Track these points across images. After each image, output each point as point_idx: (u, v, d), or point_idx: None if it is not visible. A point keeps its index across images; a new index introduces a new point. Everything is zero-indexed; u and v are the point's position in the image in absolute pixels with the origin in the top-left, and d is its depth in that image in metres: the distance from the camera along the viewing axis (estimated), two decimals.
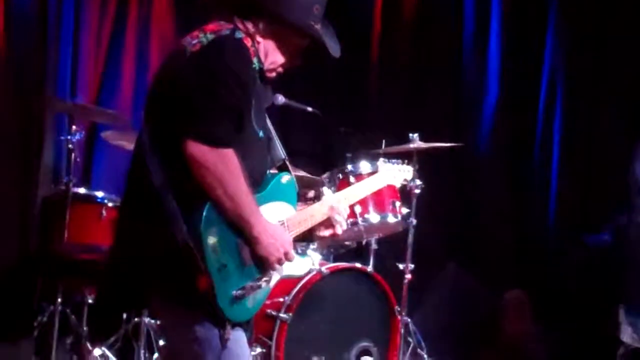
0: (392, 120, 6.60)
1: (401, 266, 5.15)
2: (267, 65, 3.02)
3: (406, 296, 5.09)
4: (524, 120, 6.69)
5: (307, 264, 3.21)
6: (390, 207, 4.84)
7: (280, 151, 3.19)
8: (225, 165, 2.71)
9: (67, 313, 5.10)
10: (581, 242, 6.18)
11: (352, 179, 4.67)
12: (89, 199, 5.19)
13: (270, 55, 3.01)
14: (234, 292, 2.78)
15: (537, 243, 6.54)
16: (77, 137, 5.18)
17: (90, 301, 5.12)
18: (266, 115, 3.14)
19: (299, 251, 3.14)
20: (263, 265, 2.88)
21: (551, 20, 6.63)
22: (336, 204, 3.26)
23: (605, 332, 4.94)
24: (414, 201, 5.07)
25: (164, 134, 2.80)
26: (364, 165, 4.75)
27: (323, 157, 5.70)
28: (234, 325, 2.82)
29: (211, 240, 2.72)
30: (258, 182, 2.95)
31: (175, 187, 2.74)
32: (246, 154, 2.84)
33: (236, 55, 2.84)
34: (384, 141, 5.07)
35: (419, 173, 5.04)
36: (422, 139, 5.08)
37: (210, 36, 2.87)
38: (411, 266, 5.13)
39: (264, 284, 2.89)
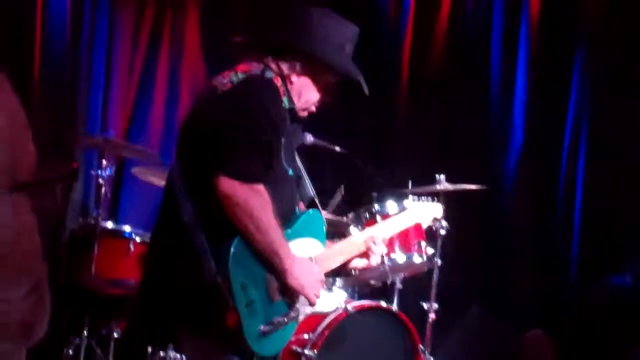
0: (419, 160, 6.63)
1: (425, 305, 5.18)
2: (300, 104, 3.09)
3: (430, 336, 5.11)
4: (549, 163, 6.70)
5: (334, 300, 3.25)
6: (416, 247, 4.84)
7: (310, 189, 3.25)
8: (256, 200, 2.76)
9: (93, 346, 5.13)
10: (604, 284, 6.16)
11: (378, 218, 4.69)
12: (117, 234, 5.24)
13: (304, 94, 3.08)
14: (261, 328, 2.82)
15: (559, 284, 6.53)
16: (108, 172, 5.26)
17: (116, 335, 5.16)
18: (296, 154, 3.19)
19: (327, 288, 3.18)
20: (292, 299, 2.91)
21: (577, 63, 6.65)
22: (375, 234, 3.31)
23: None
24: (439, 241, 5.11)
25: (194, 171, 2.86)
26: (391, 205, 4.76)
27: (350, 196, 5.72)
28: None
29: (239, 276, 2.76)
30: (287, 219, 3.00)
31: (205, 223, 2.79)
32: (276, 191, 2.89)
33: (266, 94, 2.90)
34: (410, 181, 5.10)
35: (445, 214, 5.06)
36: (448, 180, 5.11)
37: (241, 75, 2.94)
38: (435, 306, 5.15)
39: (291, 320, 2.92)
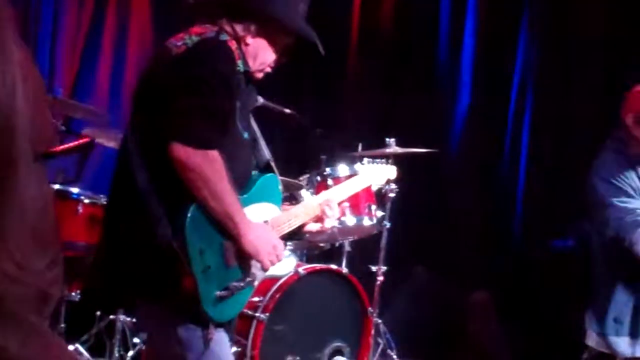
0: (368, 123, 6.67)
1: (374, 268, 5.24)
2: (256, 66, 3.05)
3: (378, 297, 5.18)
4: (494, 127, 6.79)
5: (289, 264, 3.26)
6: (366, 210, 4.90)
7: (266, 152, 3.23)
8: (210, 166, 2.73)
9: None
10: (547, 246, 6.28)
11: (330, 181, 4.72)
12: (64, 195, 5.13)
13: (260, 55, 3.04)
14: (217, 293, 2.81)
15: (504, 246, 6.65)
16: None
17: (66, 298, 5.12)
18: (251, 117, 3.18)
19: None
20: (247, 264, 2.91)
21: (522, 29, 6.72)
22: (331, 197, 3.35)
23: (570, 336, 5.04)
24: (389, 204, 5.16)
25: (149, 136, 2.82)
26: (342, 168, 4.80)
27: (299, 159, 5.73)
28: (217, 325, 2.86)
29: (196, 241, 2.75)
30: (243, 184, 2.99)
31: (160, 189, 2.77)
32: (231, 155, 2.87)
33: (221, 57, 2.86)
34: (360, 144, 5.13)
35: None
36: (398, 143, 5.15)
37: (195, 38, 2.89)
38: (383, 268, 5.22)
39: (247, 285, 2.93)
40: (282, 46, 3.10)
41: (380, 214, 5.03)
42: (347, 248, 5.33)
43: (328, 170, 4.86)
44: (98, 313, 5.12)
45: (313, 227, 3.39)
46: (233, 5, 3.04)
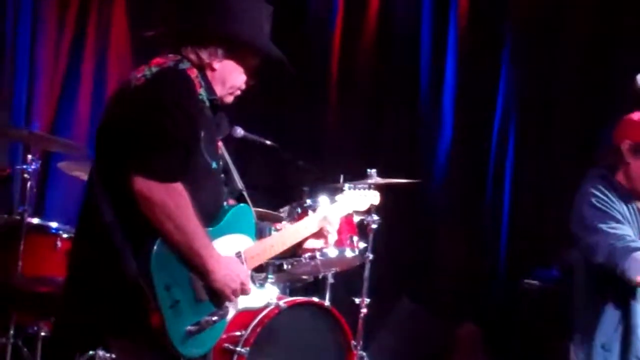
0: (350, 155, 6.65)
1: (357, 300, 5.19)
2: (226, 90, 3.03)
3: (362, 330, 5.12)
4: (478, 158, 6.78)
5: (265, 296, 3.20)
6: (348, 241, 4.87)
7: (238, 183, 3.20)
8: (173, 199, 2.70)
9: (19, 345, 4.98)
10: (532, 277, 6.25)
11: (310, 213, 4.67)
12: (43, 230, 5.10)
13: (228, 79, 3.02)
14: (188, 328, 2.76)
15: (489, 278, 6.61)
16: (33, 166, 5.11)
17: (43, 334, 5.03)
18: (222, 147, 3.13)
19: (257, 284, 3.14)
20: (218, 298, 2.86)
21: (504, 60, 6.74)
22: (329, 215, 3.34)
23: None
24: (371, 236, 5.13)
25: (111, 170, 2.78)
26: (323, 200, 4.72)
27: (281, 191, 5.70)
28: None
29: (162, 276, 2.70)
30: (213, 215, 2.94)
31: (125, 223, 2.72)
32: (198, 185, 2.84)
33: (179, 86, 2.83)
34: (342, 176, 5.10)
35: (376, 208, 5.08)
36: (379, 174, 5.12)
37: (154, 69, 2.86)
38: (367, 300, 5.17)
39: (219, 318, 2.88)
40: (251, 67, 3.07)
41: (362, 245, 5.01)
42: (330, 280, 5.28)
43: (309, 202, 4.83)
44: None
45: (316, 244, 3.40)
46: (195, 32, 3.00)
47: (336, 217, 3.45)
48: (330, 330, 4.85)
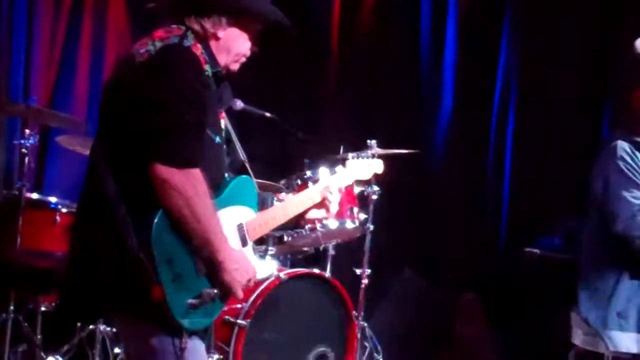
0: (350, 126, 6.62)
1: (358, 271, 5.19)
2: (231, 58, 2.99)
3: (363, 301, 5.13)
4: (478, 126, 6.77)
5: (266, 268, 3.20)
6: (348, 212, 4.85)
7: (241, 154, 3.18)
8: (193, 186, 2.69)
9: (19, 320, 4.98)
10: (534, 245, 6.25)
11: (310, 184, 4.66)
12: (42, 205, 5.10)
13: (233, 47, 2.98)
14: (189, 301, 2.75)
15: (490, 246, 6.61)
16: (31, 141, 5.09)
17: (43, 308, 5.04)
18: (225, 117, 3.11)
19: (258, 255, 3.13)
20: (225, 290, 2.83)
21: (505, 27, 6.71)
22: (331, 184, 3.32)
23: (557, 335, 5.00)
24: (372, 207, 5.11)
25: (116, 145, 2.76)
26: (323, 171, 4.72)
27: (281, 163, 5.68)
28: (191, 334, 2.79)
29: (164, 250, 2.69)
30: (216, 187, 2.92)
31: (128, 198, 2.71)
32: (202, 160, 2.80)
33: (186, 65, 2.79)
34: (342, 147, 5.08)
35: (377, 179, 5.06)
36: (380, 145, 5.10)
37: (158, 44, 2.82)
38: (368, 271, 5.17)
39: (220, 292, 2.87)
40: (254, 34, 3.04)
41: (363, 216, 4.99)
42: (331, 252, 5.28)
43: (309, 173, 4.82)
44: (78, 324, 5.04)
45: (317, 214, 3.38)
46: (198, 1, 2.97)
47: (338, 186, 3.42)
48: (331, 302, 4.86)
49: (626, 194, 3.60)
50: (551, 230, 6.21)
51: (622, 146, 3.71)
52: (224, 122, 3.08)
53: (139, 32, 6.34)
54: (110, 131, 2.82)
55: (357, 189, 5.02)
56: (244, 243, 3.02)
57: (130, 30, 6.38)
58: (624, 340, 3.71)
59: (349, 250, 5.45)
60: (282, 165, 5.50)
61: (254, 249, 3.11)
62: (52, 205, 5.07)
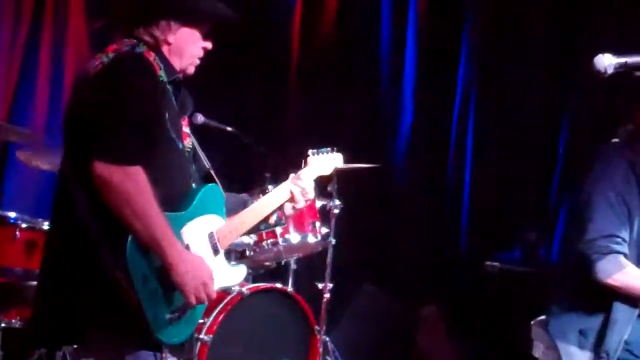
0: (311, 140, 6.61)
1: (320, 285, 5.20)
2: (185, 62, 3.02)
3: (325, 315, 5.13)
4: (438, 140, 6.80)
5: (239, 274, 3.17)
6: (310, 227, 4.88)
7: (205, 162, 3.18)
8: (132, 183, 2.66)
9: None
10: (494, 259, 6.29)
11: None
12: (1, 220, 5.03)
13: (186, 50, 3.00)
14: (167, 316, 2.75)
15: (451, 259, 6.65)
16: None
17: (3, 325, 4.97)
18: (187, 125, 3.10)
19: (231, 262, 3.13)
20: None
21: (464, 41, 6.76)
22: (301, 177, 3.44)
23: (518, 348, 5.04)
24: (333, 221, 5.13)
25: (79, 161, 2.74)
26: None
27: (242, 177, 5.67)
28: (170, 349, 2.80)
29: (139, 267, 2.68)
30: (183, 195, 2.93)
31: (99, 215, 2.69)
32: (167, 166, 2.83)
33: (138, 70, 2.82)
34: (303, 161, 5.08)
35: (338, 194, 5.09)
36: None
37: (111, 55, 2.85)
38: (330, 285, 5.18)
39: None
40: (204, 33, 3.07)
41: (325, 230, 5.01)
42: (293, 266, 5.29)
43: (270, 187, 4.81)
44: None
45: (287, 210, 3.42)
46: (142, 11, 3.01)
47: (307, 177, 3.49)
48: (294, 316, 4.87)
49: (600, 220, 3.57)
50: (511, 244, 6.27)
51: (618, 171, 3.65)
52: (187, 130, 3.08)
53: (98, 47, 6.35)
54: (72, 145, 2.83)
55: (318, 204, 5.05)
56: (216, 252, 3.01)
57: (89, 45, 6.35)
58: (579, 358, 3.73)
59: (310, 264, 5.46)
60: (243, 180, 5.48)
61: (226, 255, 3.11)
62: (12, 221, 4.99)
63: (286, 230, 4.78)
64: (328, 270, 5.19)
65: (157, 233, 2.69)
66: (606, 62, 2.91)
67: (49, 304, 2.85)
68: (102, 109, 2.72)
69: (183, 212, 2.88)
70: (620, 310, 3.57)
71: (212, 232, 3.00)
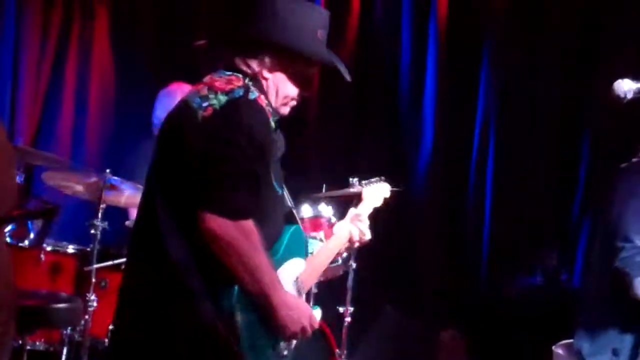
0: (331, 164, 6.67)
1: (341, 309, 5.21)
2: (280, 101, 2.87)
3: (346, 339, 5.15)
4: (459, 163, 6.82)
5: (318, 316, 3.14)
6: None
7: (288, 200, 3.09)
8: (245, 239, 2.58)
9: None
10: (514, 284, 6.29)
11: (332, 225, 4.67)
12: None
13: (281, 90, 2.86)
14: None
15: (472, 284, 6.64)
16: (17, 179, 5.10)
17: (28, 347, 5.02)
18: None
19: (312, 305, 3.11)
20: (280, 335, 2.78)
21: (484, 60, 6.78)
22: (359, 215, 3.42)
23: None
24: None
25: (182, 205, 2.64)
26: (306, 209, 4.78)
27: None
28: None
29: (243, 317, 2.63)
30: (275, 240, 2.86)
31: (199, 262, 2.62)
32: (268, 216, 2.76)
33: (255, 120, 2.67)
34: (324, 185, 5.12)
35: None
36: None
37: (222, 97, 2.68)
38: (351, 309, 5.20)
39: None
40: (303, 77, 2.91)
41: (345, 254, 5.01)
42: (314, 290, 5.28)
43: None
44: None
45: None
46: (241, 40, 2.87)
47: (365, 213, 3.47)
48: (315, 340, 4.87)
49: (635, 237, 3.59)
50: (531, 268, 6.27)
51: None
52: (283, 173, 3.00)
53: (124, 70, 6.44)
54: (172, 188, 2.69)
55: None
56: (300, 295, 2.98)
57: (114, 71, 6.44)
58: None
59: (331, 288, 5.47)
60: None
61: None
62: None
63: None
64: (349, 294, 5.21)
65: (266, 284, 2.63)
66: (626, 87, 2.95)
67: (135, 346, 2.73)
68: (218, 159, 2.59)
69: (275, 258, 2.82)
70: None
71: (297, 277, 2.97)
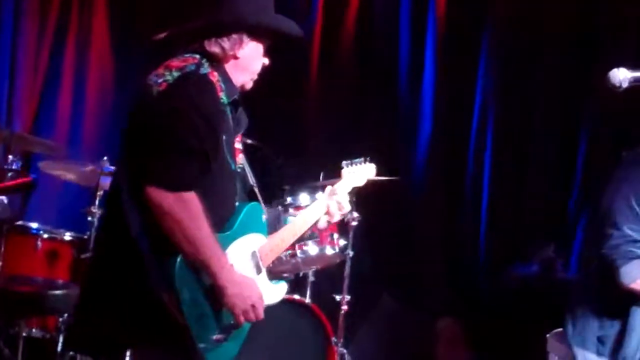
0: (329, 152, 6.66)
1: (338, 298, 5.22)
2: (248, 77, 3.00)
3: (342, 327, 5.15)
4: (457, 153, 6.81)
5: (281, 290, 3.18)
6: (328, 239, 4.88)
7: (250, 178, 3.17)
8: (184, 209, 2.66)
9: (0, 345, 4.98)
10: (512, 272, 6.29)
11: (291, 211, 4.70)
12: (23, 230, 5.12)
13: (251, 66, 2.99)
14: (214, 337, 2.76)
15: (469, 273, 6.65)
16: (14, 166, 5.11)
17: (24, 334, 5.03)
18: (240, 143, 3.09)
19: (272, 280, 3.14)
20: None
21: (483, 51, 6.77)
22: (337, 191, 3.40)
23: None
24: (351, 233, 5.15)
25: (135, 180, 2.72)
26: (304, 197, 4.79)
27: (261, 189, 5.72)
28: None
29: (187, 288, 2.68)
30: (227, 217, 2.92)
31: (151, 234, 2.69)
32: (217, 188, 2.82)
33: (201, 92, 2.79)
34: (322, 173, 5.12)
35: (356, 205, 5.10)
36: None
37: (175, 73, 2.81)
38: (347, 297, 5.20)
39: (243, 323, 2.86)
40: (266, 49, 3.06)
41: (343, 242, 5.02)
42: (311, 278, 5.31)
43: (289, 199, 4.85)
44: (59, 349, 5.03)
45: (321, 224, 3.41)
46: (216, 23, 2.96)
47: (343, 191, 3.48)
48: (311, 328, 4.88)
49: (624, 226, 3.57)
50: (528, 257, 6.26)
51: (638, 176, 3.66)
52: (240, 145, 3.08)
53: (121, 58, 6.44)
54: (129, 164, 2.80)
55: None
56: (259, 270, 3.02)
57: (112, 58, 6.43)
58: None
59: (329, 276, 5.48)
60: (262, 193, 5.53)
61: (267, 273, 3.11)
62: (34, 231, 5.09)
63: (304, 243, 4.79)
64: (346, 282, 5.21)
65: (208, 257, 2.70)
66: (621, 76, 2.94)
67: (94, 314, 2.82)
68: (162, 132, 2.71)
69: (228, 233, 2.88)
70: (639, 317, 3.58)
71: (254, 251, 3.00)
